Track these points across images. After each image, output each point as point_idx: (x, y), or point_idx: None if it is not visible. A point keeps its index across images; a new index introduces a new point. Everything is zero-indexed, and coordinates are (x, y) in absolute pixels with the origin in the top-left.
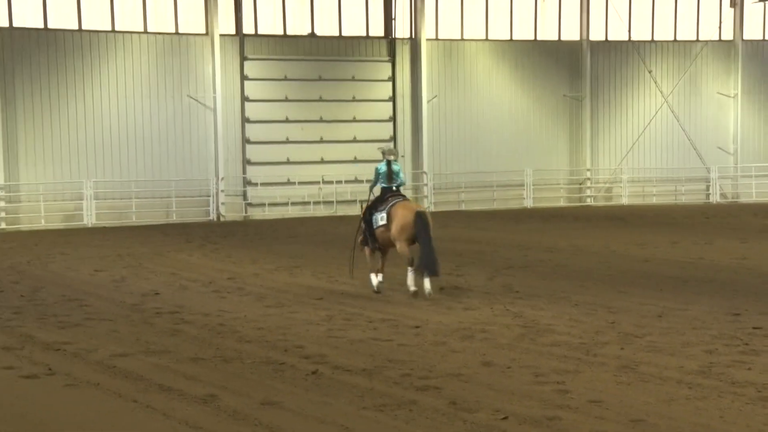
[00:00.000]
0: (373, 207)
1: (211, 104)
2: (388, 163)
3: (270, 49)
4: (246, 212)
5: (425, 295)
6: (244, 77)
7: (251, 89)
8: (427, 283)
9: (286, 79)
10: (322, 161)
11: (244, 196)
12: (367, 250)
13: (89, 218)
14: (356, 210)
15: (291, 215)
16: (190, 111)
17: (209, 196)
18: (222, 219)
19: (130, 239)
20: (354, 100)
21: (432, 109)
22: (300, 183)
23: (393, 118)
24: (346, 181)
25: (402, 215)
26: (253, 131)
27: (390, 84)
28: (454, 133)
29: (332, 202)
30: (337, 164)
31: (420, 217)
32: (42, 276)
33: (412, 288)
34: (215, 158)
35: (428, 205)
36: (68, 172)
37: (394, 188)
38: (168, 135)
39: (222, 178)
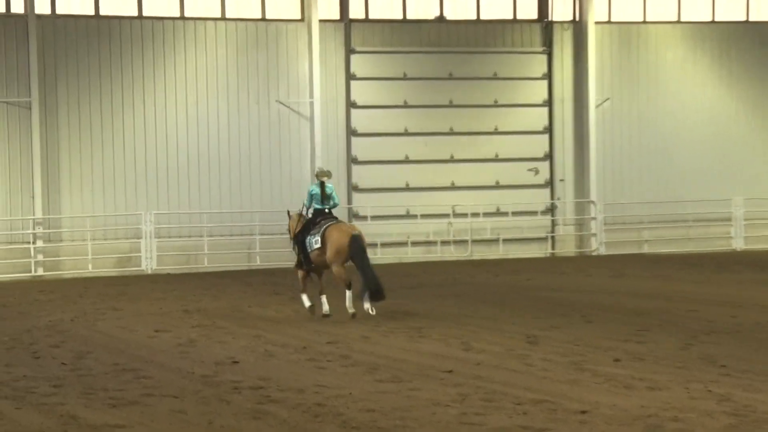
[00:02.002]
0: (305, 230)
1: (306, 112)
2: (322, 185)
3: (384, 38)
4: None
5: (367, 313)
6: (350, 76)
7: (359, 92)
8: (366, 303)
9: (405, 78)
10: (453, 187)
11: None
12: (300, 272)
13: (149, 262)
14: (498, 252)
15: (411, 258)
16: (280, 121)
17: None
18: None
19: (200, 290)
20: (496, 105)
21: (602, 116)
22: (423, 216)
23: (549, 129)
24: (485, 214)
25: (337, 238)
26: (362, 147)
27: (545, 83)
28: (632, 148)
29: (466, 241)
30: (473, 191)
31: (355, 240)
32: (89, 338)
33: (351, 310)
34: (311, 182)
35: (596, 247)
36: (122, 203)
37: (326, 210)
38: (251, 154)
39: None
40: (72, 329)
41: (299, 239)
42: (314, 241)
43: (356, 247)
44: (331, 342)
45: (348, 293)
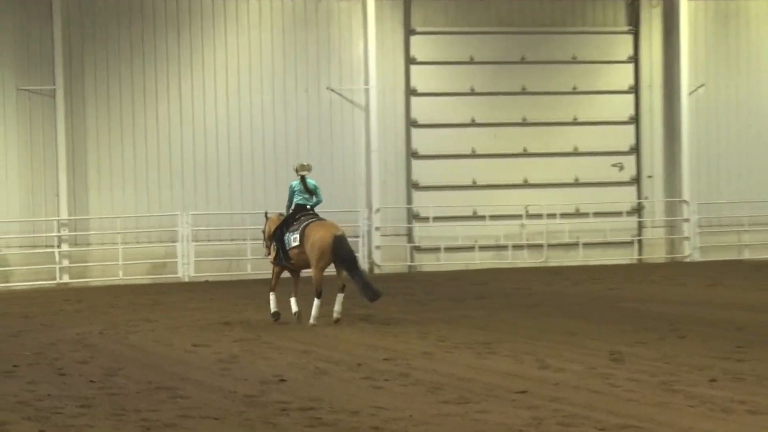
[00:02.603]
0: (284, 225)
1: (361, 101)
2: (303, 179)
3: (449, 17)
4: (412, 260)
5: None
6: (410, 60)
7: (421, 78)
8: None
9: (472, 62)
10: (526, 184)
11: (409, 236)
12: (276, 268)
13: (185, 269)
14: (577, 258)
15: (479, 265)
16: (331, 111)
17: (357, 237)
18: (377, 270)
19: (243, 300)
20: (575, 91)
21: (696, 104)
22: (492, 217)
23: (635, 119)
24: (563, 215)
25: (320, 237)
26: (423, 140)
27: (631, 67)
28: (731, 141)
29: (541, 245)
30: (549, 189)
31: (339, 241)
32: (119, 353)
33: (312, 321)
34: (366, 181)
35: (689, 252)
36: (156, 203)
37: (308, 206)
38: (298, 147)
39: (377, 211)
40: (101, 343)
41: (277, 235)
42: (293, 239)
43: (340, 249)
44: (389, 358)
45: (317, 302)
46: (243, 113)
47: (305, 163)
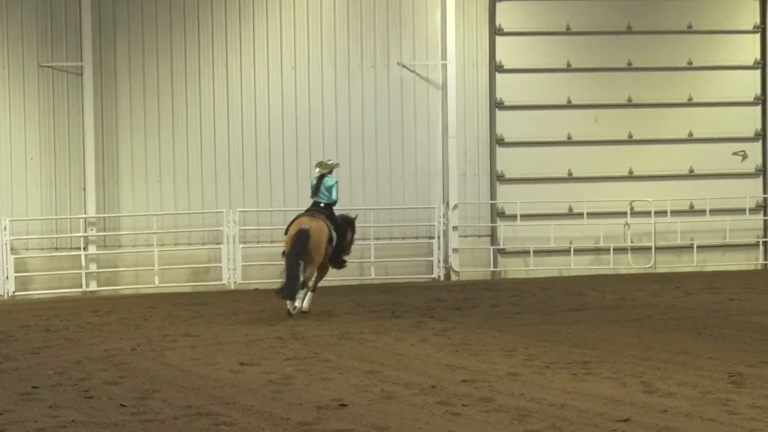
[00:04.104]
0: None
1: (438, 78)
2: (321, 177)
3: None
4: (495, 265)
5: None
6: (495, 30)
7: (508, 51)
8: (298, 302)
9: (568, 31)
10: (631, 176)
11: (493, 237)
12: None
13: (231, 274)
14: (691, 263)
15: (575, 271)
16: (402, 91)
17: (432, 237)
18: (454, 278)
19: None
20: (690, 66)
21: None
22: (591, 215)
23: (762, 100)
24: (675, 213)
25: (292, 228)
26: (510, 124)
27: (757, 38)
28: None
29: (648, 248)
30: (659, 182)
31: (299, 235)
32: (155, 372)
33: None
34: (443, 172)
35: None
36: (198, 199)
37: (321, 204)
38: (364, 133)
39: (455, 207)
40: (133, 361)
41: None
42: (284, 232)
43: (296, 242)
44: (469, 380)
45: (309, 294)
46: (300, 94)
47: (327, 162)
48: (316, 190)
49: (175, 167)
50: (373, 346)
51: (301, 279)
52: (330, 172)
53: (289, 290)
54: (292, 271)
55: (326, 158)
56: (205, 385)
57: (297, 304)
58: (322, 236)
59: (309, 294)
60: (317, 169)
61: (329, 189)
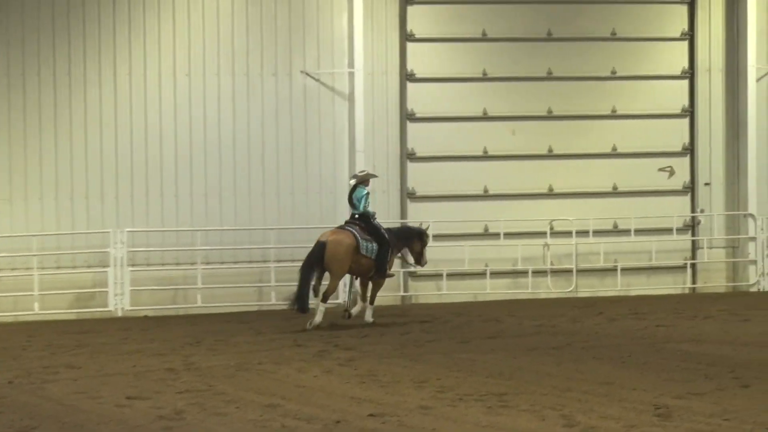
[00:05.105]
0: None
1: (344, 88)
2: (354, 188)
3: None
4: (406, 289)
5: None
6: (406, 36)
7: (419, 59)
8: (318, 316)
9: (484, 38)
10: (551, 194)
11: (404, 259)
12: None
13: (119, 300)
14: (614, 287)
15: (491, 295)
16: (306, 100)
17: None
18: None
19: (191, 339)
20: (614, 76)
21: (767, 92)
22: (508, 236)
23: (690, 112)
24: (597, 233)
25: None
26: (422, 137)
27: (685, 46)
28: None
29: (569, 270)
30: (580, 199)
31: (317, 247)
32: (34, 407)
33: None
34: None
35: (756, 279)
36: (83, 218)
37: (355, 215)
38: (264, 147)
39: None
40: (10, 395)
41: None
42: None
43: (311, 254)
44: (376, 414)
45: (368, 308)
46: (194, 104)
47: (359, 173)
48: (350, 201)
49: (58, 183)
50: (272, 377)
51: (312, 290)
52: (365, 182)
53: (299, 303)
54: (301, 283)
55: (359, 170)
56: (88, 420)
57: (317, 319)
58: (339, 248)
59: (368, 307)
60: (352, 180)
61: (359, 199)
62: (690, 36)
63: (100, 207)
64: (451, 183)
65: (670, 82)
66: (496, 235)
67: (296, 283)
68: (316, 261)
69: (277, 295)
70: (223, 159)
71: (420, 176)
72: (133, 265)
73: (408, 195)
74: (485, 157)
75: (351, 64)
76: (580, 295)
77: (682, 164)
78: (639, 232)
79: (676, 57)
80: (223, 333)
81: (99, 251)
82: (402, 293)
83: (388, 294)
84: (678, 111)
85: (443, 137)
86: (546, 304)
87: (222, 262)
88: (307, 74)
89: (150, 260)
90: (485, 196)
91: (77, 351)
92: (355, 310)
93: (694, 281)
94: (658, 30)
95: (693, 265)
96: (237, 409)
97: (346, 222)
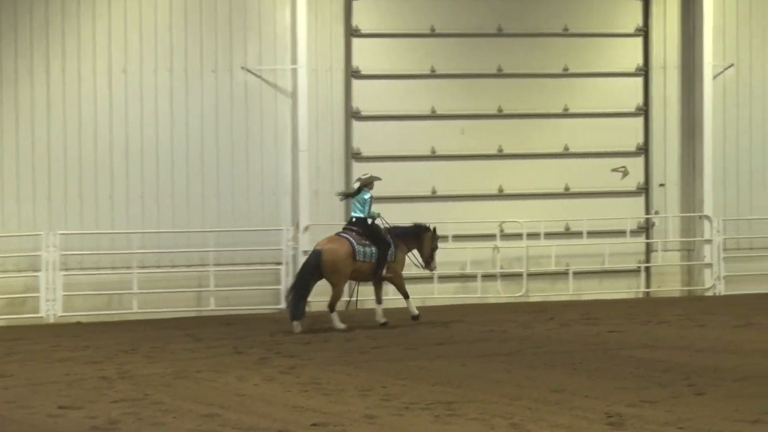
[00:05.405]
0: None
1: (287, 85)
2: (358, 191)
3: None
4: (351, 294)
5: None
6: (351, 31)
7: (365, 55)
8: (336, 323)
9: (432, 33)
10: (501, 195)
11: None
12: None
13: (51, 306)
14: (566, 291)
15: (439, 300)
16: (247, 97)
17: (279, 263)
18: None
19: (126, 347)
20: (567, 73)
21: (723, 91)
22: (456, 238)
23: (644, 110)
24: (549, 235)
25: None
26: (368, 137)
27: (639, 42)
28: (766, 139)
29: (520, 274)
30: (531, 201)
31: (314, 254)
32: None
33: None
34: (293, 190)
35: (712, 283)
36: (14, 219)
37: (354, 219)
38: (203, 146)
39: (305, 230)
40: None
41: None
42: None
43: (306, 261)
44: (320, 423)
45: (408, 301)
46: (131, 101)
47: (363, 176)
48: (354, 204)
49: None
50: (211, 386)
51: (308, 299)
52: (368, 185)
53: (292, 309)
54: (296, 291)
55: (363, 174)
56: (19, 431)
57: (338, 326)
58: (335, 257)
59: (408, 301)
60: (356, 184)
61: (364, 204)
62: (645, 32)
63: (31, 208)
64: (398, 184)
65: (624, 80)
66: (444, 238)
67: (291, 288)
68: (314, 270)
69: (216, 301)
70: (161, 159)
71: None
72: (65, 269)
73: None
74: (433, 157)
75: (294, 60)
76: (531, 299)
77: (636, 164)
78: (591, 234)
79: (630, 54)
80: (159, 340)
81: (30, 255)
82: (347, 298)
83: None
84: (632, 109)
85: (390, 136)
86: (496, 309)
87: (159, 266)
88: (249, 71)
89: (83, 264)
90: (433, 197)
91: (7, 359)
92: (413, 311)
93: (648, 285)
94: (612, 26)
95: (647, 269)
96: (174, 419)
97: (344, 228)
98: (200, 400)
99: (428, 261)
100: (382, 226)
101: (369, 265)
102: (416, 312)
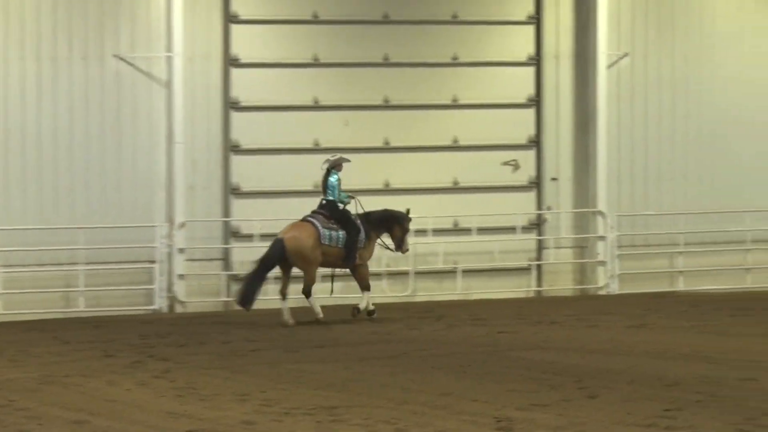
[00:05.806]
0: None
1: (161, 74)
2: (327, 173)
3: None
4: (229, 295)
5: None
6: (230, 18)
7: (244, 43)
8: (316, 308)
9: (315, 20)
10: (387, 189)
11: (226, 261)
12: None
13: None
14: (454, 290)
15: (321, 301)
16: (119, 86)
17: (153, 262)
18: (179, 309)
19: None
20: (456, 62)
21: (617, 81)
22: None
23: (536, 101)
24: (436, 231)
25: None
26: (247, 128)
27: (531, 30)
28: (663, 132)
29: (406, 273)
30: (418, 196)
31: (276, 243)
32: None
33: (290, 321)
34: (167, 184)
35: (605, 282)
36: None
37: (323, 201)
38: (72, 135)
39: (181, 226)
40: None
41: None
42: None
43: (269, 250)
44: (195, 430)
45: (365, 294)
46: None
47: (331, 157)
48: (322, 188)
49: None
50: (80, 391)
51: (279, 294)
52: (337, 167)
53: (242, 296)
54: (251, 278)
55: (331, 155)
56: None
57: (318, 313)
58: (297, 244)
59: (365, 294)
60: (325, 165)
61: (332, 187)
62: (537, 20)
63: None
64: (279, 178)
65: (515, 69)
66: None
67: (247, 276)
68: (277, 259)
69: (85, 301)
70: (27, 151)
71: (245, 170)
72: None
73: (232, 191)
74: (316, 149)
75: (169, 48)
76: (418, 299)
77: (528, 158)
78: (481, 231)
79: (521, 42)
80: (24, 343)
81: None
82: (224, 298)
83: (208, 299)
84: (523, 100)
85: (271, 128)
86: (381, 309)
87: (24, 265)
88: (121, 58)
89: None
90: (316, 192)
91: None
92: (362, 305)
93: (539, 284)
94: (503, 13)
95: (538, 267)
96: (40, 425)
97: (312, 211)
98: (68, 406)
99: (399, 244)
100: (353, 212)
101: (337, 250)
102: (372, 307)
